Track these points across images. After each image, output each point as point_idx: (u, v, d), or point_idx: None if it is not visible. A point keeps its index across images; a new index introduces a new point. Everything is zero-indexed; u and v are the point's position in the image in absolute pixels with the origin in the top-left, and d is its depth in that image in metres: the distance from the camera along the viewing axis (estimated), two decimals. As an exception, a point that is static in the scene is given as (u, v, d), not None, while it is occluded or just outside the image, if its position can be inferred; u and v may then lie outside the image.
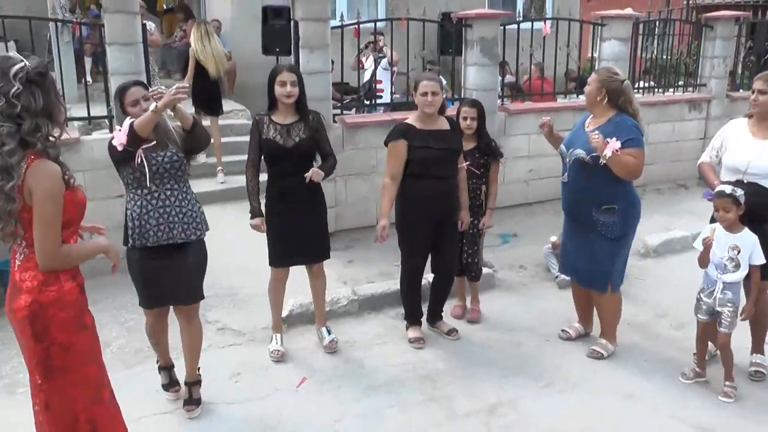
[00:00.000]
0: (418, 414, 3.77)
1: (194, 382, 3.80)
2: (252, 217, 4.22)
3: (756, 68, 9.24)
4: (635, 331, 4.84)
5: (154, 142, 3.37)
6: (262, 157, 4.16)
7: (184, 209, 3.50)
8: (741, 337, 4.13)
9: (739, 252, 3.88)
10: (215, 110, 7.73)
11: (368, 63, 8.10)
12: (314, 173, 3.99)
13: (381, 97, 7.64)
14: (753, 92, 4.04)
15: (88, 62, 8.49)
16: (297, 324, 4.67)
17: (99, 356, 2.84)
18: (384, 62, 7.53)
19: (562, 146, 4.27)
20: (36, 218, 2.50)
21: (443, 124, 4.36)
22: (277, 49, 7.91)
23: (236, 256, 5.73)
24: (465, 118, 4.75)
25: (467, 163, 4.59)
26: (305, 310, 4.75)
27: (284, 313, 4.60)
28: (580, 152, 4.12)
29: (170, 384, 3.89)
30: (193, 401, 3.78)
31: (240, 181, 7.16)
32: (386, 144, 4.39)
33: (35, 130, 2.47)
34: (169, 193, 3.46)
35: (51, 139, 2.54)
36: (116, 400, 2.95)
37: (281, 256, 4.26)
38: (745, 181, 3.95)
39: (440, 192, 4.30)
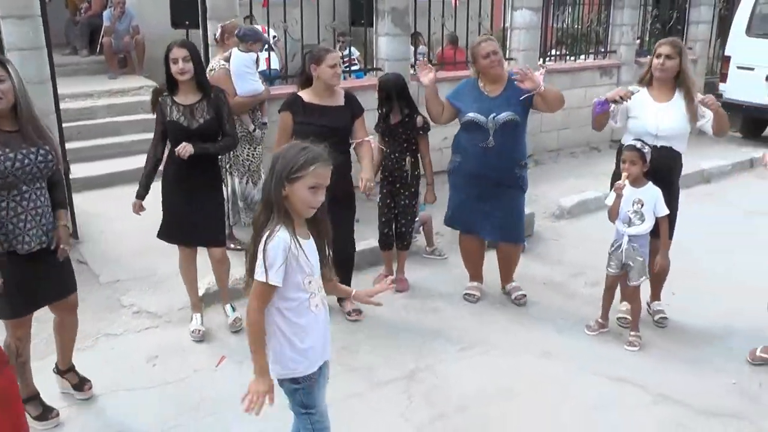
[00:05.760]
0: (338, 385, 3.70)
1: (73, 366, 3.69)
2: (135, 196, 4.15)
3: (661, 35, 9.56)
4: (551, 291, 5.00)
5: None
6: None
7: (50, 209, 3.26)
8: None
9: (642, 205, 4.05)
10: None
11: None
12: (182, 147, 3.89)
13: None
14: (659, 57, 4.12)
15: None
16: (214, 302, 4.57)
17: None
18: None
19: (478, 115, 4.34)
20: None
21: (338, 100, 4.31)
22: (187, 22, 7.65)
23: (152, 236, 5.54)
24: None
25: (371, 137, 4.55)
26: (222, 288, 4.66)
27: (201, 292, 4.51)
28: (510, 114, 4.32)
29: (45, 411, 3.44)
30: (86, 379, 3.68)
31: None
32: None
33: None
34: (39, 192, 3.18)
35: None
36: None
37: (169, 235, 4.23)
38: (658, 146, 4.09)
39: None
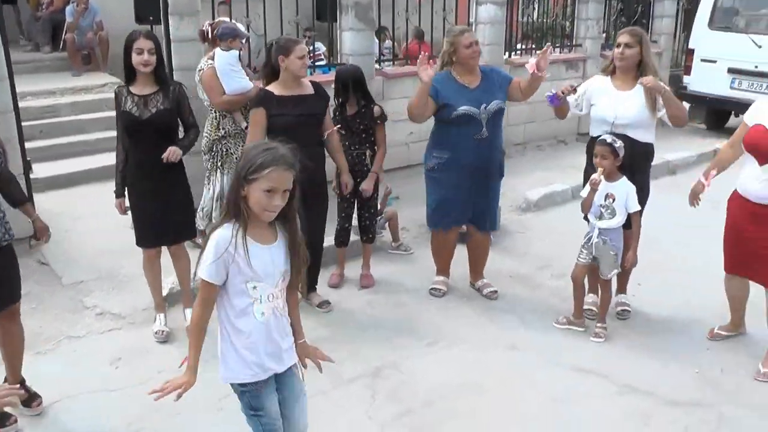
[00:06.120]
0: (304, 383, 3.76)
1: (23, 380, 3.52)
2: (116, 196, 4.09)
3: (627, 29, 9.65)
4: (518, 284, 5.02)
5: None
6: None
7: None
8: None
9: (614, 200, 4.07)
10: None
11: None
12: (171, 153, 3.86)
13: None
14: (619, 46, 4.17)
15: None
16: (178, 302, 4.51)
17: None
18: None
19: (471, 107, 4.34)
20: None
21: (307, 89, 4.28)
22: (151, 18, 7.55)
23: (117, 235, 5.48)
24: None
25: (338, 126, 4.54)
26: (186, 287, 4.60)
27: (164, 292, 4.46)
28: (499, 103, 4.43)
29: (2, 418, 3.35)
30: (36, 395, 3.52)
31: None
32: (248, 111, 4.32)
33: None
34: None
35: None
36: None
37: (143, 236, 4.17)
38: (616, 133, 4.11)
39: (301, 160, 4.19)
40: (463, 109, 4.35)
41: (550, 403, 3.62)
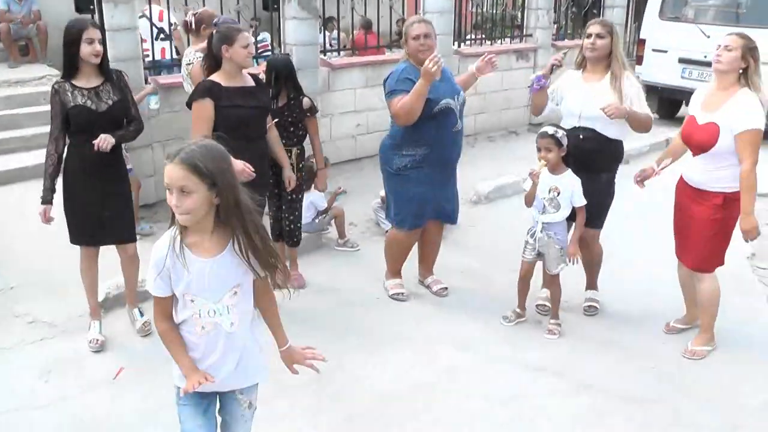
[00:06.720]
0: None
1: None
2: (42, 202, 3.83)
3: (578, 19, 9.66)
4: (468, 279, 4.93)
5: None
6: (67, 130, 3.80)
7: None
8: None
9: (558, 194, 3.98)
10: None
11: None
12: (102, 140, 3.66)
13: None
14: (589, 36, 4.07)
15: None
16: (115, 307, 4.32)
17: None
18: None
19: (450, 100, 4.24)
20: None
21: (249, 81, 4.10)
22: (92, 6, 7.23)
23: (51, 237, 5.18)
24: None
25: (276, 120, 4.37)
26: (123, 292, 4.35)
27: (101, 297, 4.25)
28: (463, 94, 4.40)
29: None
30: None
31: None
32: (189, 105, 4.02)
33: None
34: None
35: None
36: None
37: (79, 233, 3.96)
38: (582, 127, 4.05)
39: (252, 155, 3.91)
40: (444, 102, 4.20)
41: (502, 403, 3.53)
